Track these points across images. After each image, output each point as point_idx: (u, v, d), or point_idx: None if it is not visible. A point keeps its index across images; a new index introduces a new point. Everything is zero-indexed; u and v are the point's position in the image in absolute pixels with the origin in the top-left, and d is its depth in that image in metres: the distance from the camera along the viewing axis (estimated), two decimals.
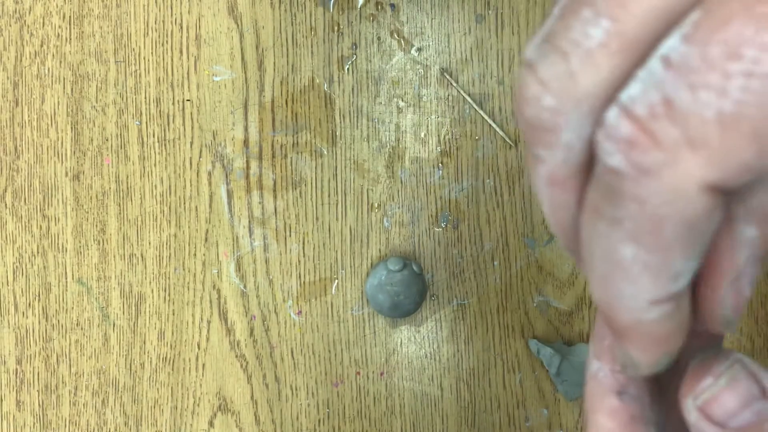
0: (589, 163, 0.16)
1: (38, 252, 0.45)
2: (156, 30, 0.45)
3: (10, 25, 0.44)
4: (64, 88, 0.45)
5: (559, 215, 0.17)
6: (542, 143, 0.16)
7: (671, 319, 0.15)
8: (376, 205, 0.45)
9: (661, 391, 0.19)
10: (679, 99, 0.13)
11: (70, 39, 0.45)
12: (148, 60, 0.45)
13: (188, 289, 0.45)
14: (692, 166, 0.13)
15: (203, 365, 0.45)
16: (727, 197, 0.14)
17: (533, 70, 0.15)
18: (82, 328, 0.45)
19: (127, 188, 0.45)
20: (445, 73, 0.45)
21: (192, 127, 0.45)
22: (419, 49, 0.45)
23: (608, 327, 0.16)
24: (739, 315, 0.17)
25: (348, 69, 0.45)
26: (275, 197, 0.45)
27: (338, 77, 0.45)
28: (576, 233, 0.16)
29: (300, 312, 0.45)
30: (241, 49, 0.45)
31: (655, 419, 0.19)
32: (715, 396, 0.16)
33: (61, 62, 0.45)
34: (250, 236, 0.45)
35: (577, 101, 0.15)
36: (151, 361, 0.45)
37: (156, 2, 0.44)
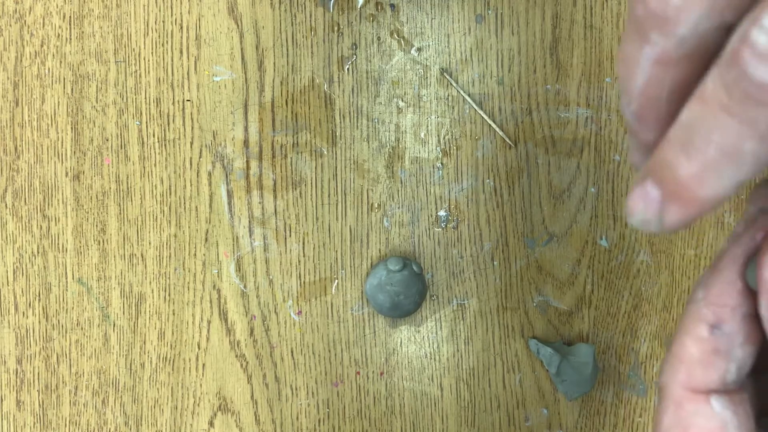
0: (700, 54, 0.18)
1: (38, 252, 0.45)
2: (156, 30, 0.45)
3: (10, 25, 0.44)
4: (64, 88, 0.45)
5: (652, 91, 0.19)
6: (659, 30, 0.18)
7: (735, 191, 0.18)
8: (376, 205, 0.45)
9: (758, 338, 0.20)
10: None
11: (71, 39, 0.45)
12: (148, 60, 0.45)
13: (188, 289, 0.45)
14: None
15: (203, 365, 0.45)
16: None
17: None
18: (82, 328, 0.45)
19: (127, 188, 0.45)
20: (444, 73, 0.45)
21: (192, 127, 0.45)
22: (419, 49, 0.45)
23: (681, 195, 0.18)
24: None
25: (348, 69, 0.45)
26: (275, 197, 0.45)
27: (338, 77, 0.45)
28: (663, 110, 0.19)
29: (300, 312, 0.45)
30: (241, 50, 0.45)
31: (741, 361, 0.19)
32: None
33: (61, 62, 0.45)
34: (250, 236, 0.45)
35: (703, 2, 0.17)
36: (151, 361, 0.45)
37: (156, 2, 0.44)
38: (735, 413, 0.19)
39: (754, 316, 0.19)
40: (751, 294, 0.19)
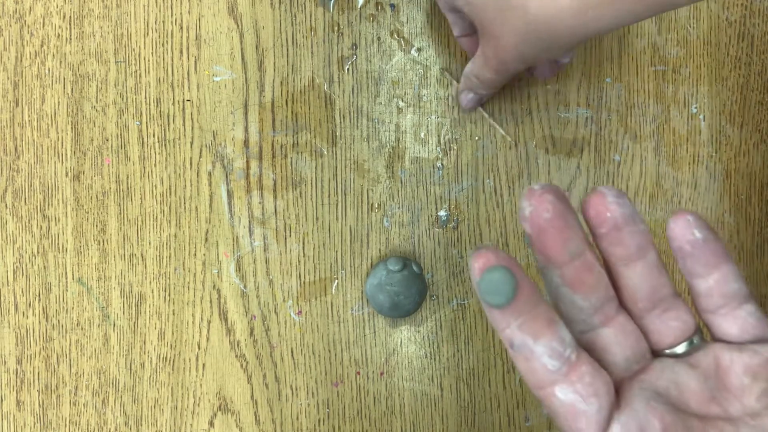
0: None
1: (38, 252, 0.45)
2: (156, 30, 0.45)
3: (11, 25, 0.44)
4: (64, 88, 0.45)
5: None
6: None
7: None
8: (376, 205, 0.45)
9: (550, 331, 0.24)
10: None
11: (71, 39, 0.45)
12: (149, 60, 0.45)
13: (188, 289, 0.45)
14: None
15: (203, 365, 0.45)
16: None
17: None
18: (82, 328, 0.45)
19: (128, 188, 0.45)
20: (445, 72, 0.45)
21: (192, 127, 0.45)
22: (419, 49, 0.45)
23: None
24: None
25: (348, 69, 0.45)
26: (275, 197, 0.45)
27: (338, 77, 0.45)
28: None
29: (300, 312, 0.45)
30: (241, 50, 0.45)
31: (550, 351, 0.24)
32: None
33: (61, 62, 0.45)
34: (250, 236, 0.45)
35: None
36: (151, 361, 0.45)
37: (156, 2, 0.44)
38: (577, 392, 0.23)
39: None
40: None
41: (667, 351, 0.26)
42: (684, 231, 0.25)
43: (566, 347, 0.24)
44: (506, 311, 0.23)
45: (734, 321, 0.25)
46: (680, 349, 0.26)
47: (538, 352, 0.23)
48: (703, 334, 0.26)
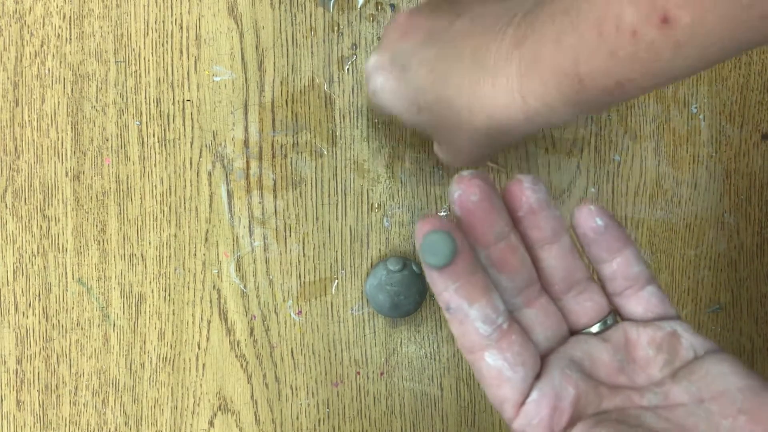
0: None
1: (38, 252, 0.45)
2: (156, 30, 0.45)
3: (10, 25, 0.44)
4: (64, 88, 0.45)
5: None
6: None
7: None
8: (376, 205, 0.45)
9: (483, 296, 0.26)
10: None
11: (71, 39, 0.45)
12: (148, 60, 0.45)
13: (188, 289, 0.45)
14: None
15: (203, 365, 0.45)
16: None
17: None
18: (82, 328, 0.45)
19: (127, 188, 0.45)
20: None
21: (192, 127, 0.45)
22: None
23: None
24: None
25: (348, 69, 0.45)
26: (275, 197, 0.45)
27: (338, 77, 0.45)
28: None
29: (300, 312, 0.45)
30: (241, 49, 0.45)
31: (484, 317, 0.25)
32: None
33: (61, 62, 0.45)
34: (250, 236, 0.45)
35: None
36: (151, 361, 0.45)
37: (156, 2, 0.44)
38: (504, 359, 0.25)
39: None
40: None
41: (584, 331, 0.28)
42: (587, 219, 0.27)
43: (499, 315, 0.25)
44: (444, 273, 0.24)
45: (638, 301, 0.28)
46: (595, 329, 0.28)
47: (472, 315, 0.25)
48: (616, 316, 0.29)
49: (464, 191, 0.25)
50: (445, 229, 0.24)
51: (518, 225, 0.27)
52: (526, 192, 0.26)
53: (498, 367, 0.25)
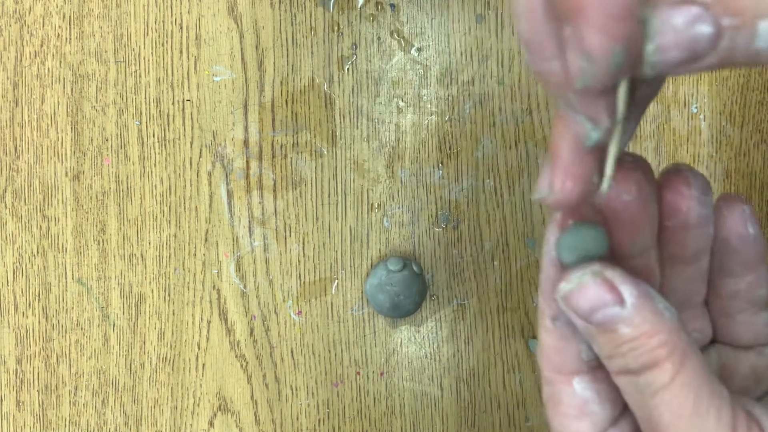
0: None
1: (38, 252, 0.45)
2: (156, 30, 0.45)
3: (10, 25, 0.44)
4: (64, 88, 0.45)
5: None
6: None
7: None
8: (376, 205, 0.45)
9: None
10: None
11: (70, 39, 0.45)
12: (148, 60, 0.45)
13: (188, 289, 0.45)
14: None
15: (203, 365, 0.45)
16: None
17: None
18: (82, 328, 0.45)
19: (127, 188, 0.45)
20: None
21: (192, 127, 0.45)
22: (419, 49, 0.45)
23: (567, 12, 0.17)
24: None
25: (348, 69, 0.45)
26: (275, 197, 0.45)
27: (338, 77, 0.45)
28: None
29: (300, 312, 0.45)
30: (241, 49, 0.45)
31: (586, 341, 0.22)
32: (567, 294, 0.20)
33: (61, 62, 0.45)
34: (250, 236, 0.45)
35: None
36: (151, 361, 0.45)
37: (156, 2, 0.44)
38: (596, 391, 0.21)
39: None
40: None
41: None
42: (737, 223, 0.22)
43: None
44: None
45: (748, 328, 0.23)
46: None
47: (579, 335, 0.21)
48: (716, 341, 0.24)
49: (620, 184, 0.20)
50: (597, 222, 0.20)
51: (659, 232, 0.22)
52: (691, 203, 0.21)
53: (585, 398, 0.21)
